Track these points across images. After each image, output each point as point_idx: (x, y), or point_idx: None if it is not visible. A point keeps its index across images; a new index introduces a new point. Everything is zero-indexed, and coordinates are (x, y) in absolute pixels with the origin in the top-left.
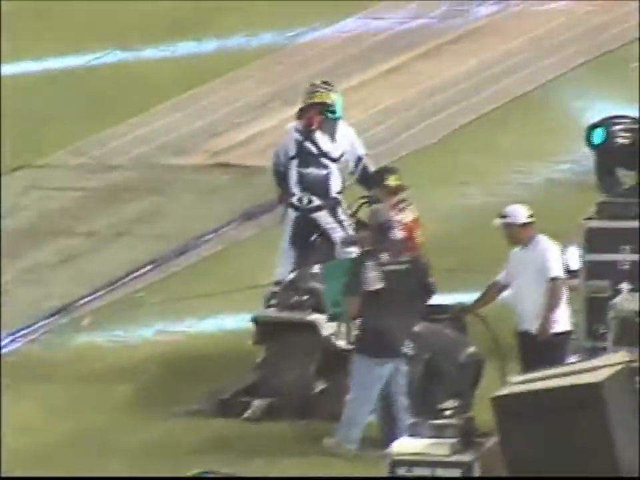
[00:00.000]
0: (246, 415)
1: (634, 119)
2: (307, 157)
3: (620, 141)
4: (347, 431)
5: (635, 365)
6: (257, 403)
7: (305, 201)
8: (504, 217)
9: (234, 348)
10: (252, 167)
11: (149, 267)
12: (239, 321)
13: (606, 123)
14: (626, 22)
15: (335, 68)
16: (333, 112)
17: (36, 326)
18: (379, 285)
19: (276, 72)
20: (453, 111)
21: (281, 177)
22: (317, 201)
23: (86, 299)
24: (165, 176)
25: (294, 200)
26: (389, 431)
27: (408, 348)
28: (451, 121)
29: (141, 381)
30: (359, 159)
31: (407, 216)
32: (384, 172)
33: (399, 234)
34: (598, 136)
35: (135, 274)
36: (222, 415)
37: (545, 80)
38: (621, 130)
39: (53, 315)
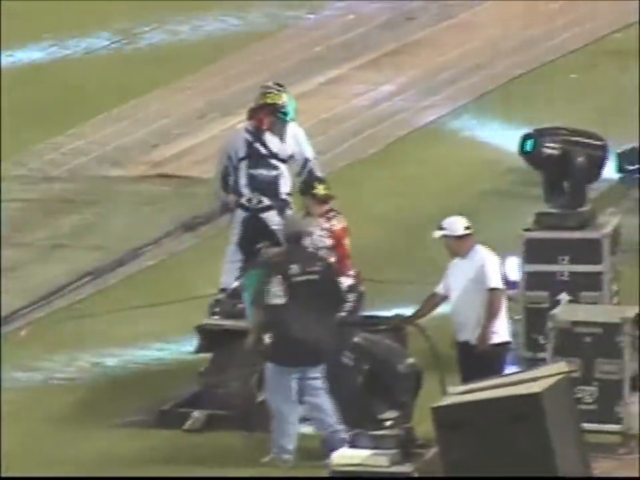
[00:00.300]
0: (186, 425)
1: (567, 130)
2: (256, 157)
3: (549, 152)
4: (278, 442)
5: (574, 375)
6: (197, 414)
7: (255, 201)
8: (442, 229)
9: (175, 358)
10: (191, 177)
11: (87, 279)
12: (178, 332)
13: (537, 133)
14: (567, 31)
15: (274, 79)
16: (285, 113)
17: None
18: (279, 301)
19: (214, 83)
20: (392, 122)
21: (228, 178)
22: (266, 201)
23: (24, 311)
24: (104, 187)
25: (243, 200)
26: (328, 442)
27: (347, 359)
28: (390, 131)
29: (81, 393)
30: (306, 161)
31: (336, 224)
32: (312, 181)
33: (322, 242)
34: (528, 146)
35: (74, 285)
36: (163, 426)
37: (483, 91)
38: (550, 141)
39: None
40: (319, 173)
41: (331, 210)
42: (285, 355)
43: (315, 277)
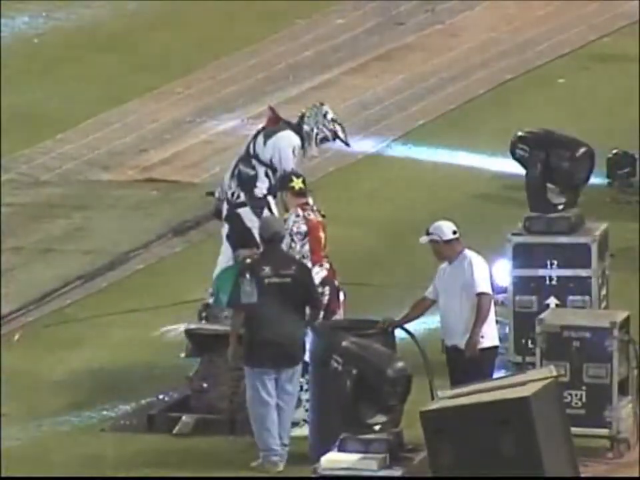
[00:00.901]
0: (175, 430)
1: (547, 133)
2: (245, 154)
3: (520, 153)
4: (263, 445)
5: (562, 380)
6: (186, 419)
7: (235, 196)
8: (429, 233)
9: (164, 363)
10: (180, 182)
11: (77, 283)
12: (167, 336)
13: (519, 135)
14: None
15: (264, 84)
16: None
17: None
18: (251, 300)
19: (204, 87)
20: (381, 126)
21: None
22: (242, 197)
23: (14, 315)
24: (93, 192)
25: (229, 193)
26: (317, 446)
27: (335, 363)
28: (380, 135)
29: (69, 396)
30: (283, 171)
31: (311, 215)
32: (289, 175)
33: (298, 227)
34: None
35: (63, 290)
36: (151, 431)
37: (472, 96)
38: (522, 142)
39: None
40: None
41: (307, 204)
42: (257, 356)
43: (288, 279)
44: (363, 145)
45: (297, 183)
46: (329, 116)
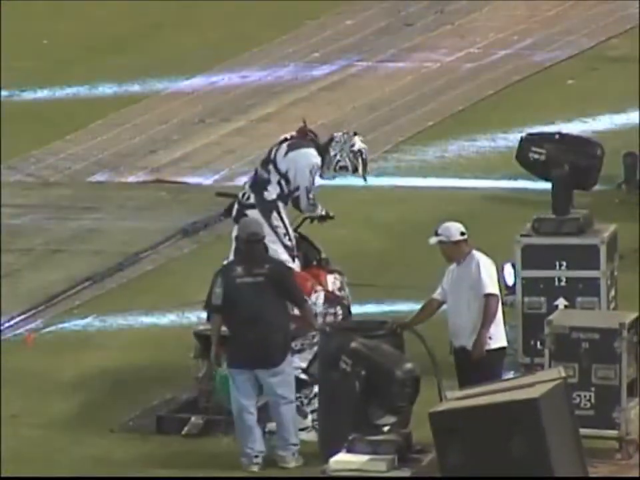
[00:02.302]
0: (184, 431)
1: (560, 136)
2: (266, 158)
3: (534, 156)
4: (244, 448)
5: (571, 381)
6: (195, 419)
7: (245, 197)
8: (437, 234)
9: (172, 364)
10: (189, 183)
11: (86, 284)
12: (175, 337)
13: (527, 138)
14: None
15: (272, 85)
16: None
17: None
18: (218, 302)
19: (213, 89)
20: (391, 127)
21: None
22: (252, 199)
23: (23, 316)
24: (102, 193)
25: (240, 194)
26: (326, 447)
27: (344, 364)
28: (389, 137)
29: (78, 397)
30: (297, 189)
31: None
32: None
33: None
34: (517, 150)
35: (72, 291)
36: (160, 432)
37: (481, 97)
38: (536, 146)
39: None
40: (303, 204)
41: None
42: (234, 356)
43: (261, 278)
44: (372, 146)
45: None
46: (356, 147)
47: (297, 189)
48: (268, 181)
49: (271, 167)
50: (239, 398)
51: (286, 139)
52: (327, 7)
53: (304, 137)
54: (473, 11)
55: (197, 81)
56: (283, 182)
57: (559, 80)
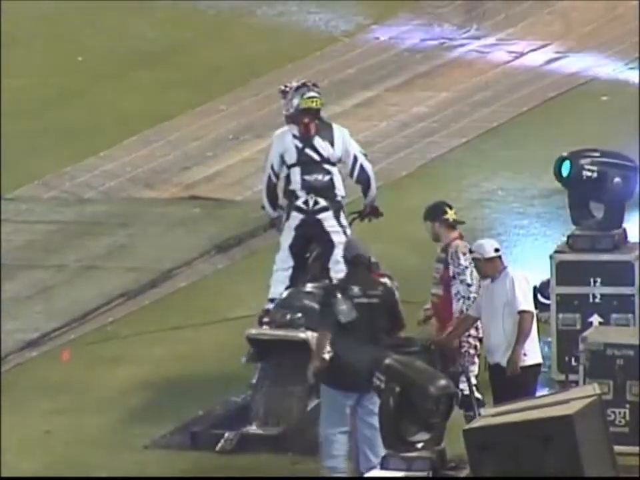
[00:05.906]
0: (218, 447)
1: (601, 152)
2: (309, 164)
3: (587, 174)
4: (329, 465)
5: (605, 398)
6: (229, 435)
7: (312, 202)
8: (471, 252)
9: (206, 380)
10: (222, 199)
11: (120, 300)
12: (210, 353)
13: (573, 156)
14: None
15: None
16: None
17: (7, 359)
18: (352, 316)
19: (247, 105)
20: (425, 143)
21: (274, 189)
22: (323, 202)
23: (57, 332)
24: (136, 209)
25: (299, 203)
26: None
27: (378, 380)
28: (423, 154)
29: (113, 413)
30: (355, 159)
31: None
32: (442, 205)
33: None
34: (566, 169)
35: (106, 307)
36: (194, 447)
37: (516, 113)
38: (588, 163)
39: (23, 348)
40: (369, 170)
41: (461, 237)
42: (339, 377)
43: (376, 300)
44: (406, 163)
45: (451, 215)
46: (307, 95)
47: (356, 159)
48: (332, 180)
49: (326, 165)
50: (336, 420)
51: (309, 137)
52: (359, 29)
53: (317, 121)
54: (508, 27)
55: (231, 97)
56: (338, 170)
57: (593, 96)
